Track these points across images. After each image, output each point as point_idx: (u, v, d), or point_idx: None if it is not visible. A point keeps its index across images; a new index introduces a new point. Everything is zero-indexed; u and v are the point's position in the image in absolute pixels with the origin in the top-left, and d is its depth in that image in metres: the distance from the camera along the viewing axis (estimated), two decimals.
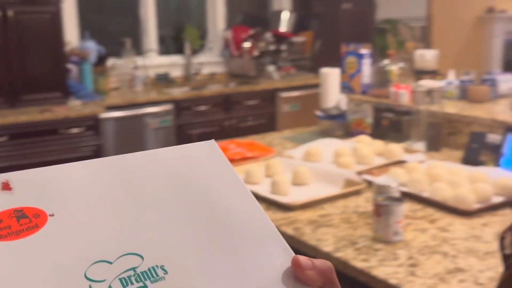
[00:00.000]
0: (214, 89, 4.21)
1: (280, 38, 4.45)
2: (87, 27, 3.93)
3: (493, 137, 1.98)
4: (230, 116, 4.02)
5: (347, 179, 1.76)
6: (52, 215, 0.36)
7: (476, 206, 1.54)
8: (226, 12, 4.58)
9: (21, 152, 3.17)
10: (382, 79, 2.71)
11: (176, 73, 4.34)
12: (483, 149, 1.96)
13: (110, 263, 0.35)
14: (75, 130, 3.29)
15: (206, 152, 0.44)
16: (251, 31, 4.39)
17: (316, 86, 3.81)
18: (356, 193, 1.72)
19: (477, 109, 2.28)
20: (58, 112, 3.27)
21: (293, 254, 0.39)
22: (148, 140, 3.66)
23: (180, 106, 3.82)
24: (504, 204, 1.58)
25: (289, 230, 1.48)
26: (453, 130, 2.25)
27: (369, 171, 1.88)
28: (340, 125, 2.42)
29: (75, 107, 3.40)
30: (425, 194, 1.65)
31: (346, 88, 2.77)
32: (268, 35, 4.36)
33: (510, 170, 1.78)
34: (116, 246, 0.36)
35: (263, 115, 4.11)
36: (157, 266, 0.36)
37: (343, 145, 2.09)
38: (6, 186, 0.36)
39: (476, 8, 6.02)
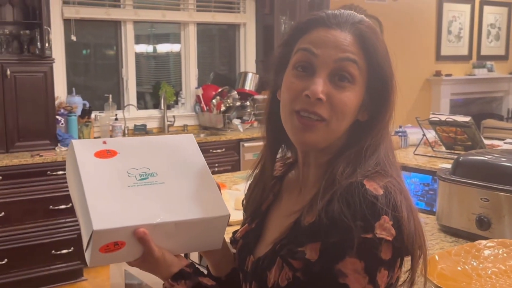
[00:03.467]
0: None
1: (245, 95, 5.06)
2: (74, 85, 4.50)
3: None
4: None
5: None
6: (120, 153, 0.95)
7: None
8: (198, 72, 5.20)
9: (14, 191, 3.64)
10: None
11: (153, 124, 4.89)
12: None
13: (137, 169, 0.94)
14: (61, 172, 3.77)
15: (188, 140, 1.03)
16: (220, 89, 5.00)
17: None
18: None
19: None
20: (47, 156, 3.78)
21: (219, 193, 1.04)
22: None
23: None
24: None
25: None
26: None
27: None
28: None
29: (62, 152, 3.91)
30: None
31: None
32: (234, 93, 4.97)
33: None
34: (142, 164, 0.95)
35: (228, 162, 4.64)
36: (154, 172, 0.95)
37: None
38: (104, 142, 0.95)
39: (426, 71, 6.75)
